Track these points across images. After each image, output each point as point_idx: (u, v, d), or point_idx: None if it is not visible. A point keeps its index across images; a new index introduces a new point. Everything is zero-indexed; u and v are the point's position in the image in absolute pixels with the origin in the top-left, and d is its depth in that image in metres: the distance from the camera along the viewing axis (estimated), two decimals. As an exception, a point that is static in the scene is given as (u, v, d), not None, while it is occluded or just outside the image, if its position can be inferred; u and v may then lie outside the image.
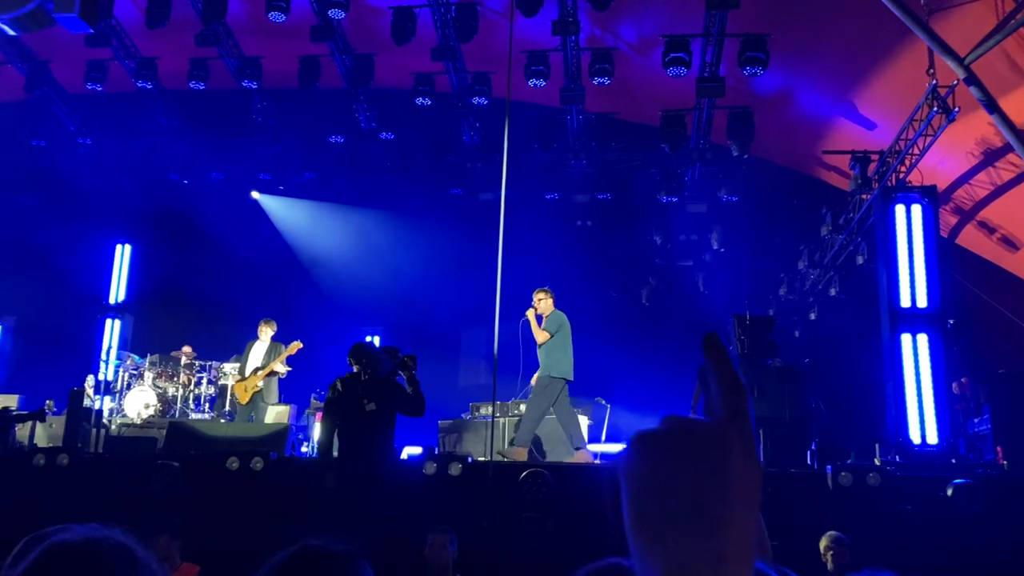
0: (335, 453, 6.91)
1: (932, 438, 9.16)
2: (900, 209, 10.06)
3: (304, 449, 10.83)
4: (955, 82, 9.63)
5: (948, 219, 12.83)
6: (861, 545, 6.05)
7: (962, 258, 13.03)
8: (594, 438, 10.76)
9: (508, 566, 7.14)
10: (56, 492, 7.64)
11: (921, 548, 6.71)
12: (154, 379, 12.00)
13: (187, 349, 12.37)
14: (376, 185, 15.77)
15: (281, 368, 10.83)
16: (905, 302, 9.69)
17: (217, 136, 15.13)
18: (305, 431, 11.69)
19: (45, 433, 9.95)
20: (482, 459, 8.50)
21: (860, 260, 13.26)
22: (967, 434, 10.57)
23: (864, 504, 7.20)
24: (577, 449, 8.76)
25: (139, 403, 11.61)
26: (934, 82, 10.21)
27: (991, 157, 11.56)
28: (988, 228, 12.79)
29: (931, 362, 9.39)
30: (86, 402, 10.23)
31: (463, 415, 10.80)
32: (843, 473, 7.38)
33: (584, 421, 10.59)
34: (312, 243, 16.83)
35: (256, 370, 10.69)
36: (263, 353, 10.85)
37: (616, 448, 10.71)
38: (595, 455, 9.36)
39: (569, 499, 7.38)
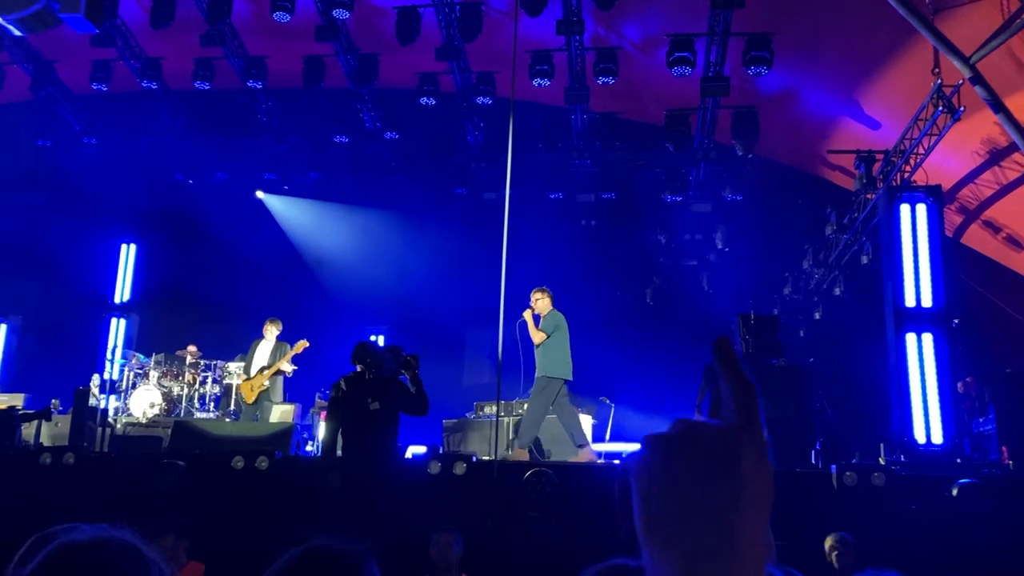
0: (339, 452, 6.92)
1: (937, 438, 9.14)
2: (905, 208, 10.04)
3: (309, 448, 10.85)
4: (960, 81, 9.62)
5: (953, 218, 12.81)
6: (866, 545, 6.04)
7: (967, 258, 13.02)
8: (598, 437, 10.77)
9: (513, 565, 7.14)
10: (61, 491, 7.66)
11: (926, 548, 6.70)
12: (159, 378, 12.03)
13: (192, 348, 12.39)
14: (380, 185, 15.78)
15: (287, 367, 10.85)
16: (910, 301, 9.68)
17: (222, 136, 15.16)
18: (310, 430, 11.70)
19: (50, 432, 9.98)
20: (486, 458, 8.50)
21: (865, 260, 13.24)
22: (972, 434, 10.55)
23: (869, 504, 7.19)
24: (580, 447, 8.75)
25: (144, 402, 11.64)
26: (939, 81, 10.20)
27: (996, 156, 11.54)
28: (993, 227, 12.77)
29: (936, 362, 9.38)
30: (91, 401, 10.26)
31: (467, 414, 10.82)
32: (848, 473, 7.37)
33: (588, 421, 10.60)
34: (317, 243, 16.86)
35: (262, 369, 10.71)
36: (268, 352, 10.87)
37: (620, 447, 10.74)
38: (599, 454, 9.36)
39: (573, 498, 7.38)
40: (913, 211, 9.99)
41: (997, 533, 6.90)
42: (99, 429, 9.50)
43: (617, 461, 8.78)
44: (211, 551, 6.05)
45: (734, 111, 12.78)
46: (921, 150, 11.10)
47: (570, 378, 8.87)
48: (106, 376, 12.22)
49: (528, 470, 7.53)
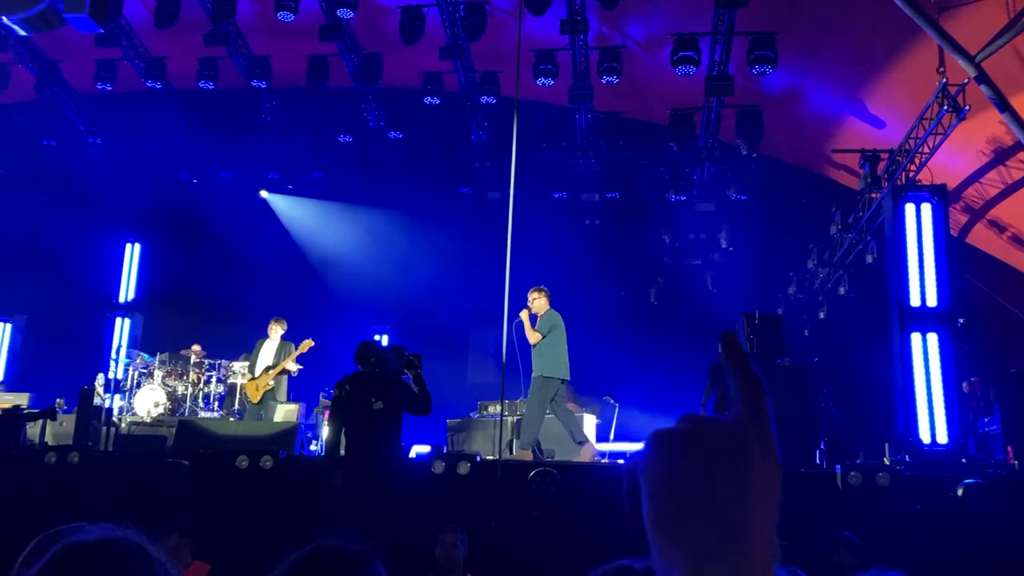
0: (342, 452, 6.92)
1: (942, 438, 9.12)
2: (910, 208, 10.01)
3: (313, 447, 10.85)
4: (966, 80, 9.59)
5: (958, 218, 12.78)
6: (870, 545, 6.03)
7: (972, 257, 12.98)
8: (603, 437, 10.77)
9: (517, 566, 7.13)
10: (66, 490, 7.68)
11: (931, 548, 6.68)
12: (164, 378, 12.04)
13: (196, 348, 12.40)
14: (385, 184, 15.80)
15: (293, 367, 10.86)
16: (915, 301, 9.65)
17: (226, 136, 15.19)
18: (314, 429, 11.71)
19: (55, 432, 9.99)
20: (491, 458, 8.49)
21: (870, 259, 13.22)
22: (977, 434, 10.53)
23: (874, 504, 7.17)
24: (580, 444, 8.72)
25: (149, 402, 11.66)
26: (944, 80, 10.17)
27: (1002, 156, 11.51)
28: (999, 227, 12.74)
29: (941, 361, 9.35)
30: (96, 401, 10.28)
31: (471, 414, 10.82)
32: (852, 473, 7.35)
33: (592, 420, 10.59)
34: (321, 242, 16.88)
35: (268, 369, 10.73)
36: (273, 352, 10.88)
37: (624, 447, 10.73)
38: (603, 454, 9.35)
39: (578, 498, 7.37)
40: (918, 210, 9.96)
41: (1002, 533, 6.88)
42: (104, 428, 9.51)
43: (621, 461, 8.78)
44: (215, 550, 6.06)
45: (738, 110, 12.77)
46: (926, 149, 11.07)
47: (567, 377, 8.80)
48: (111, 375, 12.25)
49: (532, 470, 7.53)
